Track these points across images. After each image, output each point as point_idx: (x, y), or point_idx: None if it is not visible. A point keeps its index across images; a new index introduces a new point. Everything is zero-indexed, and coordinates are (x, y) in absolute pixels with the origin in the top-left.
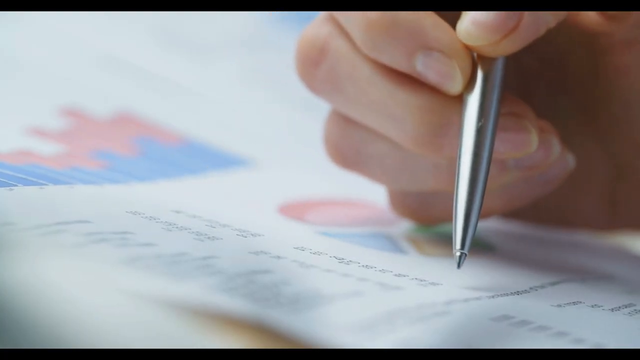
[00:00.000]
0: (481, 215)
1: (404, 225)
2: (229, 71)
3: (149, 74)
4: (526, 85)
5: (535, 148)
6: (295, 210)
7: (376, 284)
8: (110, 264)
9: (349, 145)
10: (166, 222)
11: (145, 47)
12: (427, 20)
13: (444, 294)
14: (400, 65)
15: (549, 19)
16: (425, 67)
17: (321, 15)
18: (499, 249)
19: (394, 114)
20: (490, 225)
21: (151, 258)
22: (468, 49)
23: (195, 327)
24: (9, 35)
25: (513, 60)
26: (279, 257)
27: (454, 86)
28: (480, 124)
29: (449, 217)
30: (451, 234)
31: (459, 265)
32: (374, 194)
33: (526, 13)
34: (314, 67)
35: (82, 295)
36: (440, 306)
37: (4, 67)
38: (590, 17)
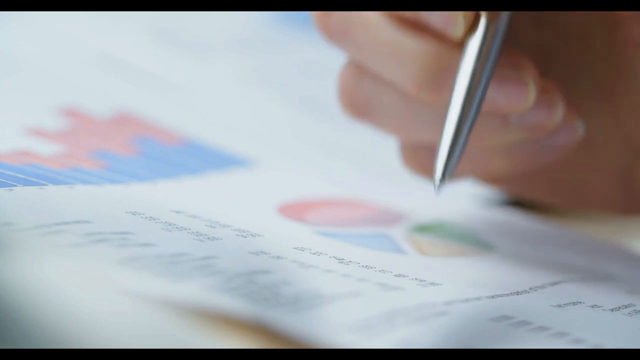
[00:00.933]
0: (488, 180)
1: (404, 225)
2: (229, 71)
3: (148, 74)
4: (545, 63)
5: (532, 101)
6: (294, 211)
7: (376, 284)
8: (110, 264)
9: (361, 94)
10: (166, 222)
11: (144, 47)
12: None
13: (443, 294)
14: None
15: None
16: (429, 12)
17: None
18: (499, 249)
19: (399, 59)
20: (490, 225)
21: (151, 258)
22: None
23: (195, 327)
24: (9, 35)
25: (533, 36)
26: (278, 257)
27: (456, 30)
28: (476, 65)
29: (459, 174)
30: (451, 234)
31: (436, 192)
32: (374, 194)
33: None
34: (327, 15)
35: (82, 295)
36: (440, 306)
37: (3, 67)
38: None
